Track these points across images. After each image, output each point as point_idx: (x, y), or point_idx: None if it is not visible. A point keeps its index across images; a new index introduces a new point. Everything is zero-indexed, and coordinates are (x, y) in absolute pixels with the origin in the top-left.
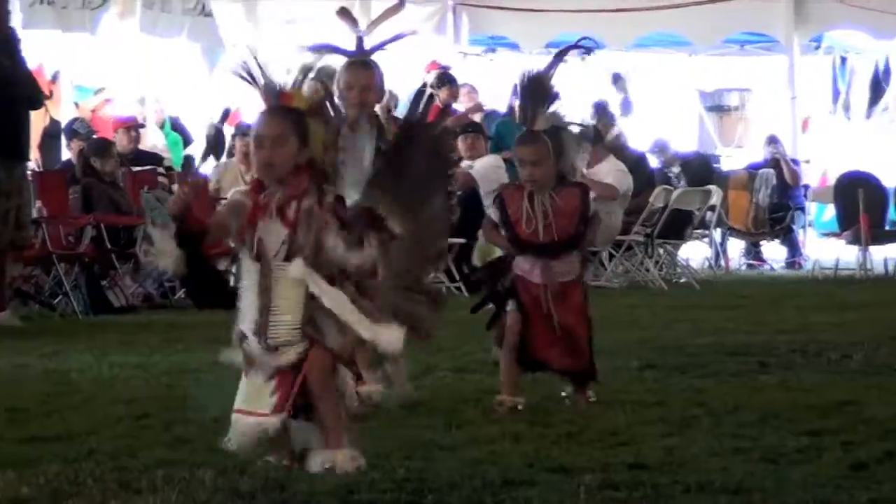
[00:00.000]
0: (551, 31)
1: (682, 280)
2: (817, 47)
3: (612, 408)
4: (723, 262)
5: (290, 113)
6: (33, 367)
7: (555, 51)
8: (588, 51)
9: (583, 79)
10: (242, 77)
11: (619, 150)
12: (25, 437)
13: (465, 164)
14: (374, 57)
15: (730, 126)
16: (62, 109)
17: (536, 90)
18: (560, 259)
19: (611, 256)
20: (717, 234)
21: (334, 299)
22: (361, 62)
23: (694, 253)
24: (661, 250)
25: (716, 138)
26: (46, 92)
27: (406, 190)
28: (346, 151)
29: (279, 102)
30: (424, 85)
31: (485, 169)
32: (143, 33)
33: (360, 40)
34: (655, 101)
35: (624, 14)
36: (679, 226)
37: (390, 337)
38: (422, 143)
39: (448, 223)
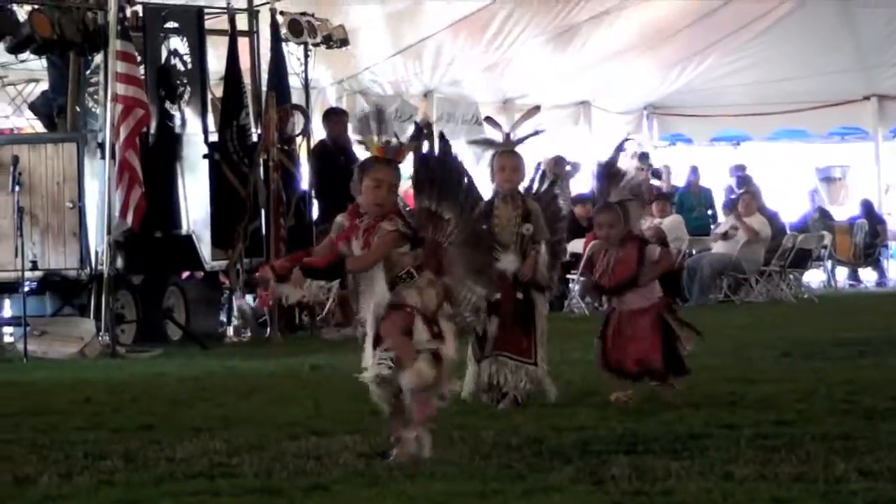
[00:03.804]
0: (714, 129)
1: (806, 296)
2: (895, 136)
3: (759, 384)
4: (833, 284)
5: (398, 167)
6: None
7: (717, 144)
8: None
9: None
10: (369, 124)
11: (761, 209)
12: None
13: (655, 221)
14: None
15: (836, 191)
16: None
17: (609, 173)
18: (629, 293)
19: (756, 281)
20: (828, 264)
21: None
22: (510, 151)
23: (813, 277)
24: (791, 276)
25: (826, 199)
26: None
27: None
28: (498, 219)
29: (394, 157)
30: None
31: (671, 224)
32: None
33: (507, 136)
34: (783, 175)
35: (762, 116)
36: (803, 259)
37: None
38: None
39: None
